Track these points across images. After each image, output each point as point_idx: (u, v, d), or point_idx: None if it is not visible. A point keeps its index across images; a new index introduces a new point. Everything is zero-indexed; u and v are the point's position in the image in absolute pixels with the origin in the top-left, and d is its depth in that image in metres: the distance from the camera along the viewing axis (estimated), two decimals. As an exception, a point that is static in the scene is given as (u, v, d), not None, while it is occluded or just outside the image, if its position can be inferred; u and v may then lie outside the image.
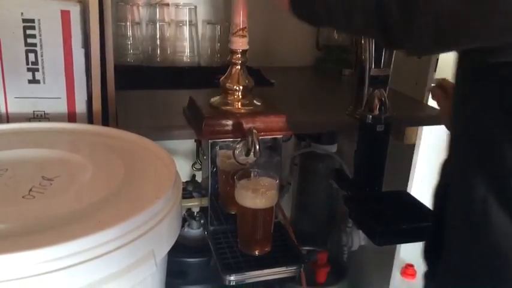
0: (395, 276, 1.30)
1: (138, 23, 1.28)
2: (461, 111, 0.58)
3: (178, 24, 1.30)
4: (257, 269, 0.82)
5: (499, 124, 0.51)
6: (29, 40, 0.80)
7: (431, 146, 1.21)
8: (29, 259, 0.47)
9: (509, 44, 0.45)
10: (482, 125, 0.53)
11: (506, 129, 0.50)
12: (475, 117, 0.55)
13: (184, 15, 1.30)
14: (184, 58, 1.31)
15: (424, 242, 0.71)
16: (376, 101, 0.97)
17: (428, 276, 0.69)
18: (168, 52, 1.31)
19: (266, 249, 0.84)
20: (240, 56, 0.88)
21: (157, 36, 1.29)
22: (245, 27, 0.84)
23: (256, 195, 0.79)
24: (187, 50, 1.31)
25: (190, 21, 1.30)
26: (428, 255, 0.69)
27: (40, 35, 0.80)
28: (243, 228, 0.84)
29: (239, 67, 0.89)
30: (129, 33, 1.27)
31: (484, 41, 0.47)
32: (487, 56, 0.48)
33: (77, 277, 0.49)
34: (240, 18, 0.84)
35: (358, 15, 0.56)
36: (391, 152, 1.01)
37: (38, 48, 0.80)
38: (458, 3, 0.46)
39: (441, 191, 0.62)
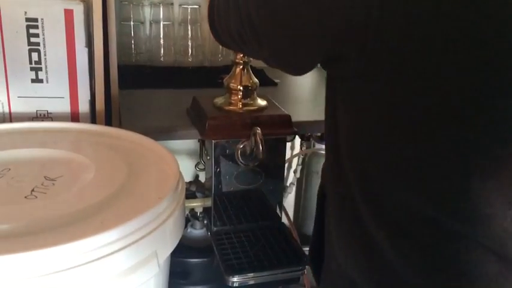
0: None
1: (142, 23, 1.28)
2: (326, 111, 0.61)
3: (182, 24, 1.30)
4: (260, 271, 0.81)
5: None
6: (32, 39, 0.79)
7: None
8: (31, 260, 0.46)
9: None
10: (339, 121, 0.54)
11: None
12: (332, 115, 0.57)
13: (189, 15, 1.29)
14: (188, 58, 1.31)
15: (309, 246, 0.68)
16: (381, 101, 0.97)
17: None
18: (172, 52, 1.30)
19: None
20: (243, 55, 0.87)
21: (161, 36, 1.29)
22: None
23: None
24: (191, 50, 1.31)
25: (194, 21, 1.30)
26: (312, 261, 0.67)
27: (43, 34, 0.80)
28: None
29: (243, 67, 0.89)
30: (133, 32, 1.26)
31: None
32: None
33: (79, 278, 0.49)
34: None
35: (237, 40, 0.57)
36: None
37: (41, 48, 0.80)
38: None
39: (320, 191, 0.61)
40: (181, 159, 1.33)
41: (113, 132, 0.80)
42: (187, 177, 1.27)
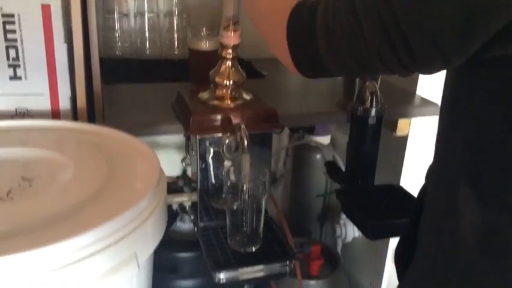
0: (389, 267, 1.29)
1: (126, 15, 1.26)
2: (451, 111, 0.54)
3: (168, 15, 1.27)
4: (247, 266, 0.81)
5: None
6: (9, 36, 0.78)
7: (423, 137, 1.19)
8: (5, 265, 0.45)
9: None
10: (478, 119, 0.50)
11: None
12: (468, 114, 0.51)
13: (174, 6, 1.27)
14: (175, 50, 1.29)
15: (396, 247, 0.68)
16: (368, 93, 0.96)
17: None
18: (158, 44, 1.28)
19: None
20: (231, 50, 0.85)
21: (146, 28, 1.27)
22: (237, 21, 0.81)
23: None
24: (177, 42, 1.29)
25: (180, 12, 1.27)
26: (399, 261, 0.66)
27: (20, 30, 0.78)
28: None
29: (230, 62, 0.86)
30: (117, 25, 1.24)
31: None
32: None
33: (55, 283, 0.48)
34: (231, 12, 0.81)
35: None
36: (383, 144, 1.00)
37: (18, 44, 0.78)
38: None
39: (421, 194, 0.61)
40: (169, 153, 1.32)
41: (95, 129, 0.79)
42: (175, 171, 1.26)
